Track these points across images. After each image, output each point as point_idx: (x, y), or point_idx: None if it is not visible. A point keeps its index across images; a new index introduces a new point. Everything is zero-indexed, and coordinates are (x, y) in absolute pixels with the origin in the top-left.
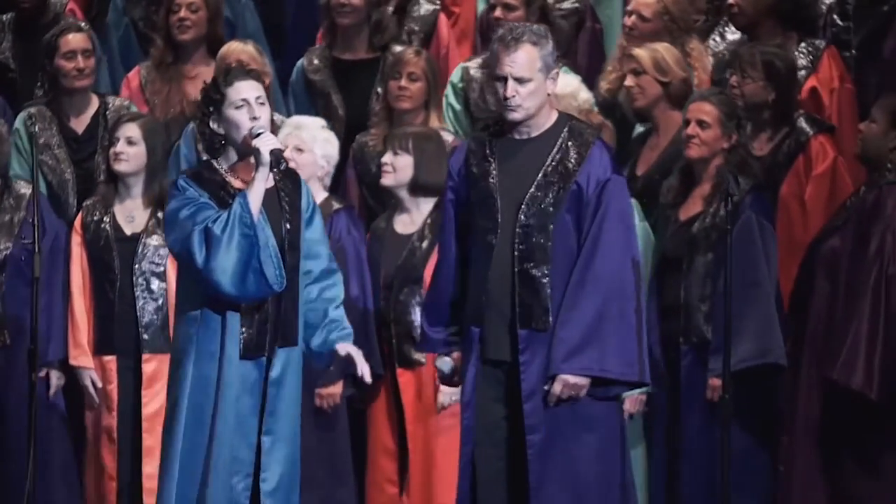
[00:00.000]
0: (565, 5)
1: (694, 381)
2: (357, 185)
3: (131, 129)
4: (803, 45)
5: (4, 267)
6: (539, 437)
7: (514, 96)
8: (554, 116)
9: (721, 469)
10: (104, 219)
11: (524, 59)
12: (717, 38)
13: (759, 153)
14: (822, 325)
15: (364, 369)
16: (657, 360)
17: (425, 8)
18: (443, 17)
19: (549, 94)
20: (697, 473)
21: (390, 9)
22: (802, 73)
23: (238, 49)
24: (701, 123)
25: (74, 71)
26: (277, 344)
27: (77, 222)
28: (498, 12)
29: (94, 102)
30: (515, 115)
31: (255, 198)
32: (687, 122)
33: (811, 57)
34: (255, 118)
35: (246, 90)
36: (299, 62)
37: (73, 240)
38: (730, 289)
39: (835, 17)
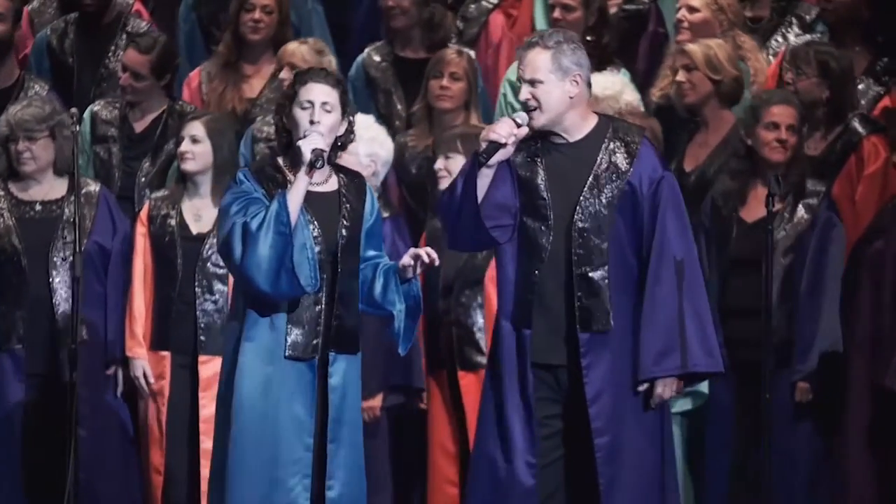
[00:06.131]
0: (627, 7)
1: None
2: (398, 185)
3: (195, 128)
4: (880, 64)
5: None
6: (607, 440)
7: (528, 100)
8: (593, 120)
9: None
10: (171, 213)
11: (534, 62)
12: (780, 39)
13: (813, 152)
14: (868, 327)
15: (423, 251)
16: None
17: (478, 7)
18: (495, 16)
19: (571, 98)
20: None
21: (444, 7)
22: (879, 90)
23: (291, 51)
24: (791, 128)
25: (128, 87)
26: (333, 349)
27: (143, 213)
28: (557, 13)
29: (163, 105)
30: (534, 122)
31: (295, 197)
32: (774, 126)
33: (887, 76)
34: (313, 122)
35: (314, 93)
36: (359, 58)
37: (138, 230)
38: (798, 287)
39: None
